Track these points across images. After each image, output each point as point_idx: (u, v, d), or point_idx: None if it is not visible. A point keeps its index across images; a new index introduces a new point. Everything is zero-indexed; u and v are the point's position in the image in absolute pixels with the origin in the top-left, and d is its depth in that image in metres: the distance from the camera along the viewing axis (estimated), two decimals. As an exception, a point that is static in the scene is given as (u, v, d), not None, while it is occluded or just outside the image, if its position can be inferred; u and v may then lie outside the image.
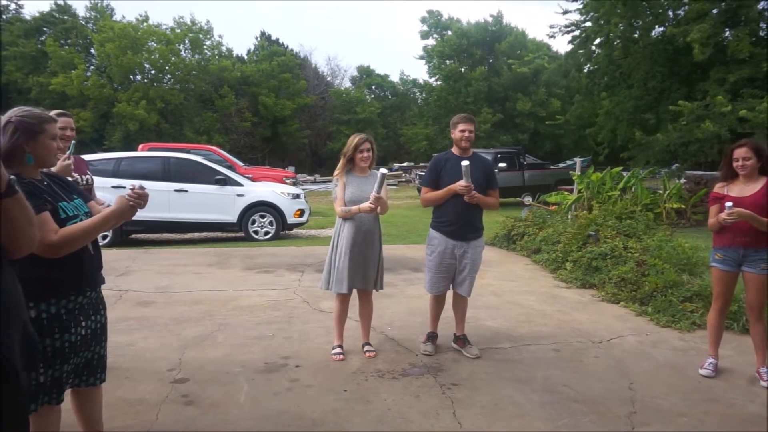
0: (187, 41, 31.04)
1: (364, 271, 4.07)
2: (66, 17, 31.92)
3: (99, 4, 32.47)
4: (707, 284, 5.20)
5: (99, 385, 2.47)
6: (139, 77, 30.57)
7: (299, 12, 67.22)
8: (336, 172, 4.13)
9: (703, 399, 3.56)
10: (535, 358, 4.23)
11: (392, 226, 12.12)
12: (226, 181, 10.01)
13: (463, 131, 4.10)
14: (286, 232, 10.61)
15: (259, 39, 39.57)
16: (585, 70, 16.85)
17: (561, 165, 24.12)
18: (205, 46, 32.08)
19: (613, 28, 14.05)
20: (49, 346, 2.12)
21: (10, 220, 1.57)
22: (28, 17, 31.45)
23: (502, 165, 16.86)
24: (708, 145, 12.13)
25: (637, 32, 14.44)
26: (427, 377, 3.81)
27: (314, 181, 27.14)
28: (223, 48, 34.24)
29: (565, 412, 3.34)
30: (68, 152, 3.62)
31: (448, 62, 36.30)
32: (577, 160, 12.97)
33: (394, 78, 41.43)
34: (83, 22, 32.24)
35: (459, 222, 4.09)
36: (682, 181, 13.84)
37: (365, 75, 41.45)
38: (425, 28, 36.91)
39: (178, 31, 30.59)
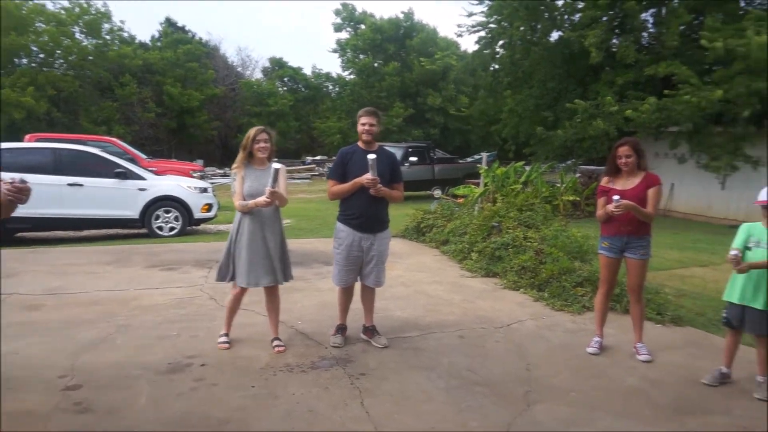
0: (81, 24, 28.71)
1: (268, 265, 4.03)
2: (-65, -10, 28.47)
3: (-24, -22, 29.25)
4: (596, 270, 5.65)
5: None
6: (25, 61, 27.89)
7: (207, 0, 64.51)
8: (234, 166, 4.09)
9: (590, 375, 3.89)
10: (441, 345, 4.40)
11: (304, 220, 12.05)
12: (126, 175, 9.43)
13: (364, 125, 4.17)
14: (193, 227, 10.21)
15: (163, 25, 37.50)
16: (490, 69, 17.57)
17: (469, 159, 25.07)
18: (103, 30, 29.85)
19: (515, 31, 14.78)
20: None
21: None
22: None
23: (413, 159, 17.25)
24: (599, 141, 13.14)
25: (537, 35, 15.27)
26: (336, 369, 3.85)
27: (224, 175, 26.27)
28: (125, 34, 32.08)
29: (469, 395, 3.51)
30: None
31: (361, 56, 36.42)
32: (484, 155, 13.55)
33: (307, 71, 40.94)
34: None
35: (365, 215, 4.15)
36: (577, 175, 14.91)
37: (277, 67, 40.55)
38: (339, 21, 36.78)
39: (74, 12, 28.20)
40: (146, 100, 31.14)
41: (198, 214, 9.87)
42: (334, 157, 4.38)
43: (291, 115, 36.80)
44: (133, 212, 9.43)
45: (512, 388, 3.63)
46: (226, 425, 3.04)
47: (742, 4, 12.73)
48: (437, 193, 17.25)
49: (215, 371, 3.74)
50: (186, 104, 32.28)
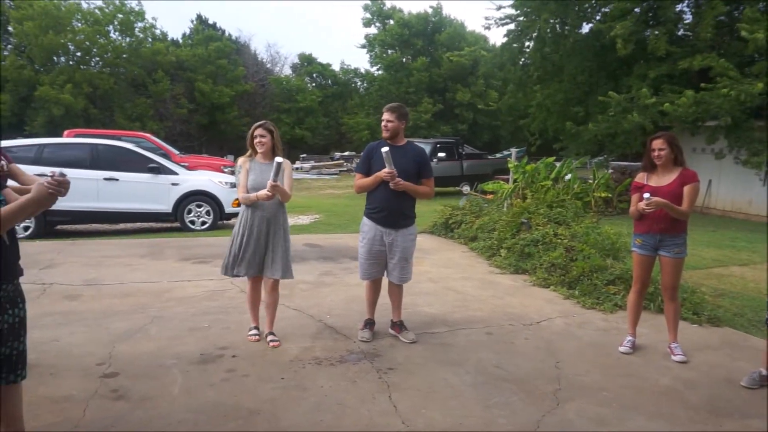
0: (116, 22, 29.43)
1: (269, 258, 4.09)
2: (-21, -8, 29.53)
3: (17, -21, 30.22)
4: (628, 268, 5.54)
5: (19, 382, 2.35)
6: (63, 59, 28.73)
7: (237, -4, 65.36)
8: (240, 159, 4.19)
9: (622, 374, 3.82)
10: (469, 341, 4.38)
11: (333, 216, 12.12)
12: (160, 170, 9.64)
13: (382, 120, 4.22)
14: (224, 221, 10.38)
15: (194, 23, 38.13)
16: (519, 63, 17.32)
17: (498, 155, 24.81)
18: (137, 28, 30.53)
19: (543, 24, 14.52)
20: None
21: None
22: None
23: (441, 155, 17.15)
24: (632, 136, 12.83)
25: (567, 28, 14.98)
26: (364, 363, 3.87)
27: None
28: (157, 31, 32.74)
29: (497, 391, 3.49)
30: None
31: (390, 52, 36.40)
32: (513, 151, 13.39)
33: (335, 67, 41.11)
34: (-1, -2, 29.94)
35: (387, 209, 4.17)
36: (610, 171, 14.61)
37: (306, 63, 40.81)
38: (368, 15, 36.84)
39: (107, 10, 28.93)
40: (178, 96, 31.73)
41: (229, 209, 10.02)
42: (362, 153, 4.42)
43: (319, 111, 37.02)
44: (167, 206, 9.63)
45: (541, 386, 3.59)
46: (256, 416, 3.09)
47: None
48: (466, 189, 17.13)
49: (246, 363, 3.80)
50: (217, 100, 32.79)
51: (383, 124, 4.21)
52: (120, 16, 29.28)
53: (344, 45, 65.42)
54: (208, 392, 3.36)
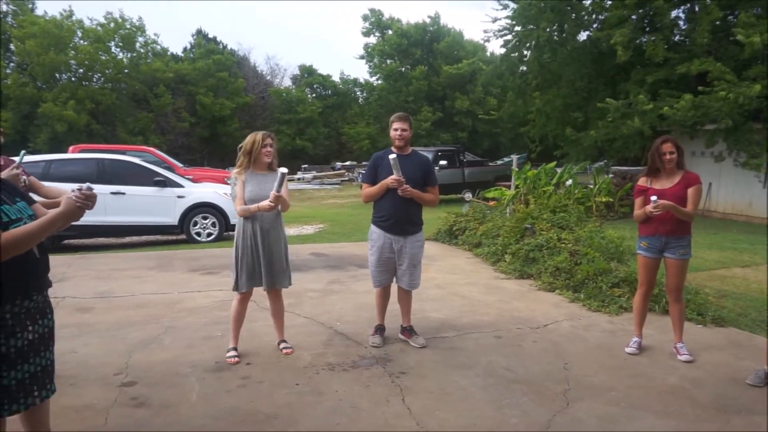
0: (117, 38, 29.74)
1: (269, 269, 4.05)
2: (-19, 10, 29.87)
3: (19, -2, 30.58)
4: (633, 270, 5.61)
5: (51, 396, 2.42)
6: (65, 76, 29.00)
7: (237, 10, 65.99)
8: (235, 171, 4.11)
9: (629, 374, 3.89)
10: (478, 345, 4.45)
11: (337, 225, 12.20)
12: (165, 183, 9.75)
13: (396, 130, 4.25)
14: (230, 233, 10.46)
15: (195, 37, 38.48)
16: (518, 72, 17.48)
17: (499, 162, 24.93)
18: (138, 43, 30.84)
19: (542, 33, 14.69)
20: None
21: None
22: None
23: (442, 163, 17.28)
24: (631, 141, 12.95)
25: (564, 36, 15.14)
26: (376, 368, 3.95)
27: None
28: (158, 47, 33.06)
29: (507, 393, 3.56)
30: (17, 161, 3.52)
31: (389, 61, 36.67)
32: (514, 157, 13.49)
33: (335, 78, 41.42)
34: (1, 17, 30.25)
35: (395, 216, 4.24)
36: (610, 176, 14.71)
37: (306, 74, 41.15)
38: (367, 25, 37.18)
39: (109, 27, 29.23)
40: (180, 110, 32.00)
41: (234, 220, 10.09)
42: (364, 162, 4.49)
43: (320, 122, 37.28)
44: (173, 219, 9.73)
45: (551, 387, 3.66)
46: (274, 420, 3.16)
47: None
48: (468, 196, 17.23)
49: (260, 370, 3.88)
50: (218, 113, 33.08)
51: (398, 133, 4.23)
52: (121, 32, 29.58)
53: (344, 56, 65.94)
54: (226, 398, 3.43)
